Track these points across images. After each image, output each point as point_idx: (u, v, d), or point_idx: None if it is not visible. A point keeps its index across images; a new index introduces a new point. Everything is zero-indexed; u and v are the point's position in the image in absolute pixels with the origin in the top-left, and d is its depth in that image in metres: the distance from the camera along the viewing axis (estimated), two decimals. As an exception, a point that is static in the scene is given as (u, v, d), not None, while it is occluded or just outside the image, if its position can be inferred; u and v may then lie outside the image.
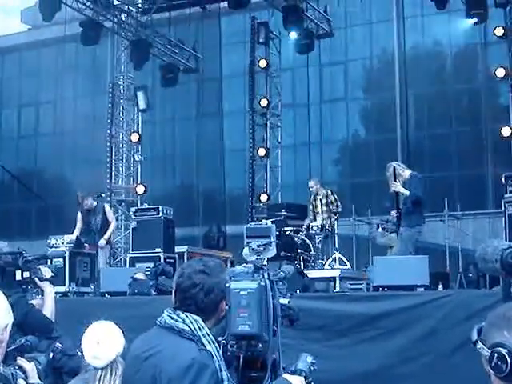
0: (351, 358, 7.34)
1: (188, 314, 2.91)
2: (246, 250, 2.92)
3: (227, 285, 2.79)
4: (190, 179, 23.92)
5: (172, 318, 2.92)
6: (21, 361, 2.83)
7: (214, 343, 2.85)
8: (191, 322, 2.88)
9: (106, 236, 12.15)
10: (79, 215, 12.36)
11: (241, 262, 3.01)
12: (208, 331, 2.87)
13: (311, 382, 2.88)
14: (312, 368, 2.89)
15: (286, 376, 2.82)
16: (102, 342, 3.60)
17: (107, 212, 12.44)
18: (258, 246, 2.89)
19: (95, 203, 12.38)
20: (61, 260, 10.75)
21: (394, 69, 21.10)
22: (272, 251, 2.91)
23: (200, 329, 2.87)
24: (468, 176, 20.63)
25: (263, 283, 2.78)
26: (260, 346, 2.75)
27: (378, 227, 11.20)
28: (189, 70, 18.48)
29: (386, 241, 11.98)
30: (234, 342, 2.75)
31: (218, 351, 2.82)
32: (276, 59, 18.46)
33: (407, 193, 9.68)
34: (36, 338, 3.48)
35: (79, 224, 12.30)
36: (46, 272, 5.26)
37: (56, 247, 11.23)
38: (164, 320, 2.95)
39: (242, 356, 2.77)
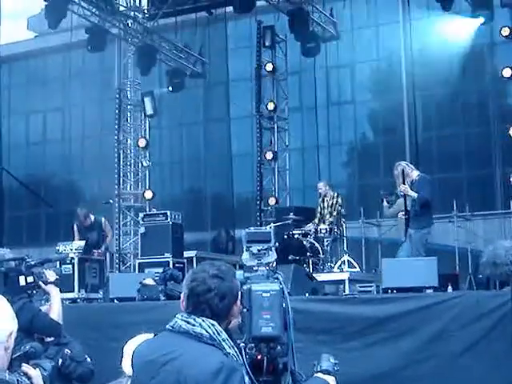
0: (361, 361, 7.32)
1: (203, 318, 2.86)
2: (245, 255, 2.90)
3: (247, 287, 2.77)
4: (198, 184, 23.91)
5: (188, 323, 2.87)
6: (26, 367, 2.81)
7: (233, 347, 2.82)
8: (209, 327, 2.83)
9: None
10: (75, 228, 12.57)
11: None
12: (227, 336, 2.83)
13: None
14: (335, 368, 2.88)
15: (320, 375, 2.81)
16: None
17: (104, 226, 12.83)
18: (259, 251, 2.88)
19: (93, 218, 12.64)
20: (70, 266, 10.79)
21: (401, 70, 21.04)
22: (272, 256, 2.90)
23: (219, 333, 2.83)
24: (477, 177, 20.54)
25: (281, 285, 2.78)
26: (278, 347, 2.75)
27: (383, 201, 10.95)
28: (195, 74, 18.49)
29: (395, 209, 11.62)
30: (252, 345, 2.74)
31: (238, 355, 2.80)
32: (282, 63, 18.40)
33: (415, 195, 9.65)
34: (41, 344, 3.46)
35: (77, 236, 12.48)
36: (50, 275, 5.24)
37: (65, 254, 11.27)
38: (178, 325, 2.89)
39: (264, 358, 2.77)
